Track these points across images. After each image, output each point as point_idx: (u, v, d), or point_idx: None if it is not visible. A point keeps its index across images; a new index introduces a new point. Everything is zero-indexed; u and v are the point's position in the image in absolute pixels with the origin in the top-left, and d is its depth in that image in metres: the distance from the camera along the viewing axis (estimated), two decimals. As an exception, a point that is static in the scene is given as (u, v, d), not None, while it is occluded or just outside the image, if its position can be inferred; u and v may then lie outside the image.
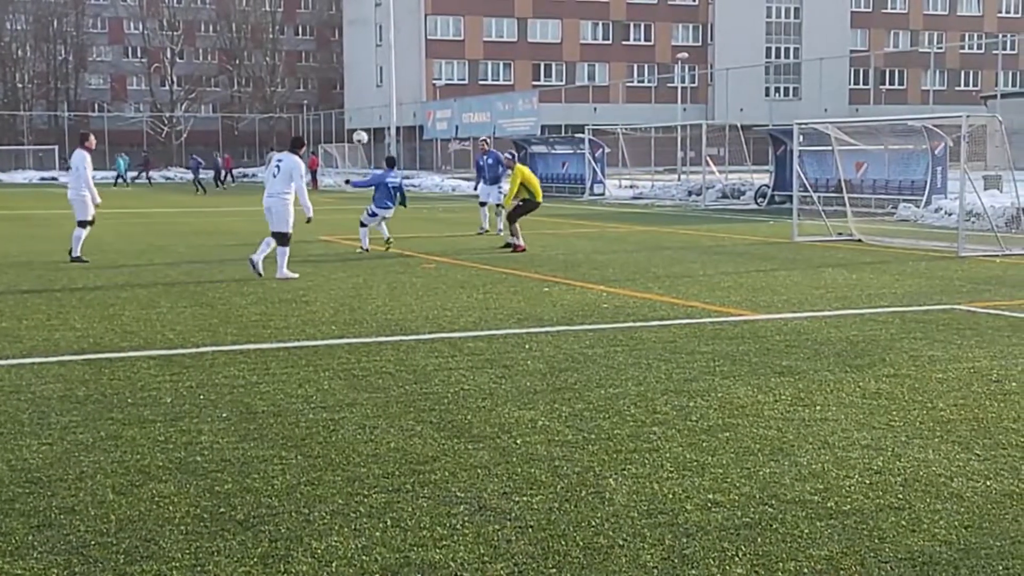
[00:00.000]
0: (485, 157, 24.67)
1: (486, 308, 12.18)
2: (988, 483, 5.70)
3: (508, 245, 19.70)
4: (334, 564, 4.65)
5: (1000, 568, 4.56)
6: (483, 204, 24.71)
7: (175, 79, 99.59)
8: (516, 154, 23.37)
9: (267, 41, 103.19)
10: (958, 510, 5.28)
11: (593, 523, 5.14)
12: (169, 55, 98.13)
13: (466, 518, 5.20)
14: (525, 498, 5.49)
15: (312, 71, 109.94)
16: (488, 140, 26.51)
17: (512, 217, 19.68)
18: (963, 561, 4.64)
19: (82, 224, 17.76)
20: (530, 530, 5.04)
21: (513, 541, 4.90)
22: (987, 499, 5.44)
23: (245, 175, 76.14)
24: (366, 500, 5.47)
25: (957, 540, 4.89)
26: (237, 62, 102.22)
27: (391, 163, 20.86)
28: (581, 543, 4.88)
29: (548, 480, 5.79)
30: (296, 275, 15.06)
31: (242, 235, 23.26)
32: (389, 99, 65.78)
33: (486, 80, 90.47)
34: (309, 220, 15.97)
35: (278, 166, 15.51)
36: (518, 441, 6.55)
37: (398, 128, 70.21)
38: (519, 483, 5.74)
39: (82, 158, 17.94)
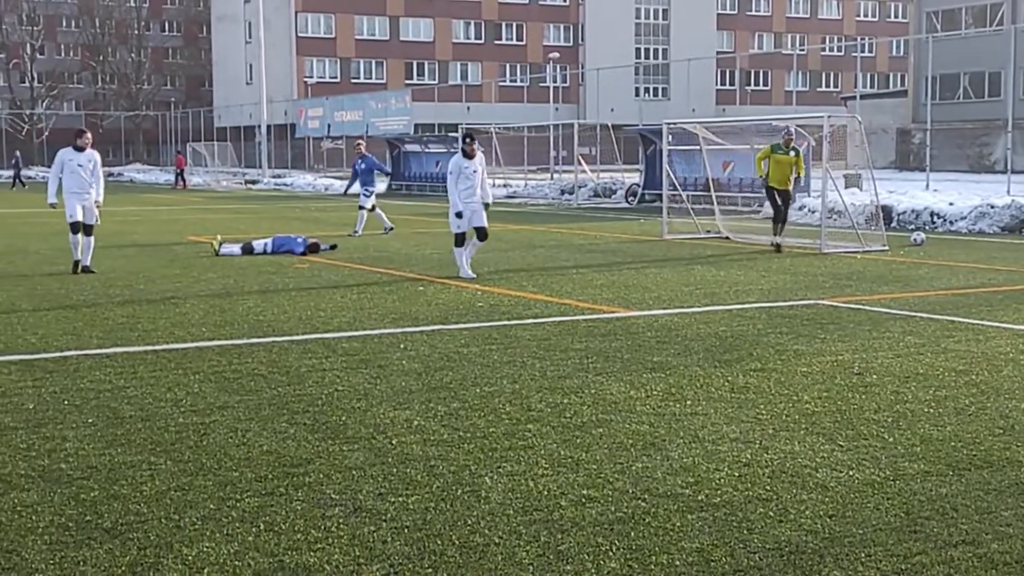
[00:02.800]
0: (360, 161, 24.28)
1: (360, 308, 12.10)
2: (851, 473, 5.88)
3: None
4: (206, 570, 4.57)
5: (862, 555, 4.71)
6: (362, 208, 24.10)
7: (35, 75, 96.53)
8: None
9: (132, 37, 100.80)
10: (823, 500, 5.43)
11: (469, 522, 5.14)
12: (29, 50, 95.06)
13: (341, 520, 5.16)
14: (401, 498, 5.47)
15: (179, 68, 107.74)
16: (363, 143, 26.07)
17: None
18: (827, 550, 4.78)
19: None
20: (406, 530, 5.03)
21: (389, 542, 4.88)
22: (850, 488, 5.61)
23: (111, 174, 74.15)
24: (238, 504, 5.38)
25: (822, 529, 5.03)
26: (101, 58, 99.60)
27: None
28: (457, 542, 4.88)
29: (424, 480, 5.78)
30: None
31: (106, 236, 22.69)
32: (259, 97, 64.89)
33: (358, 78, 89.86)
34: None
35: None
36: (393, 441, 6.52)
37: (269, 126, 69.31)
38: (395, 483, 5.72)
39: None
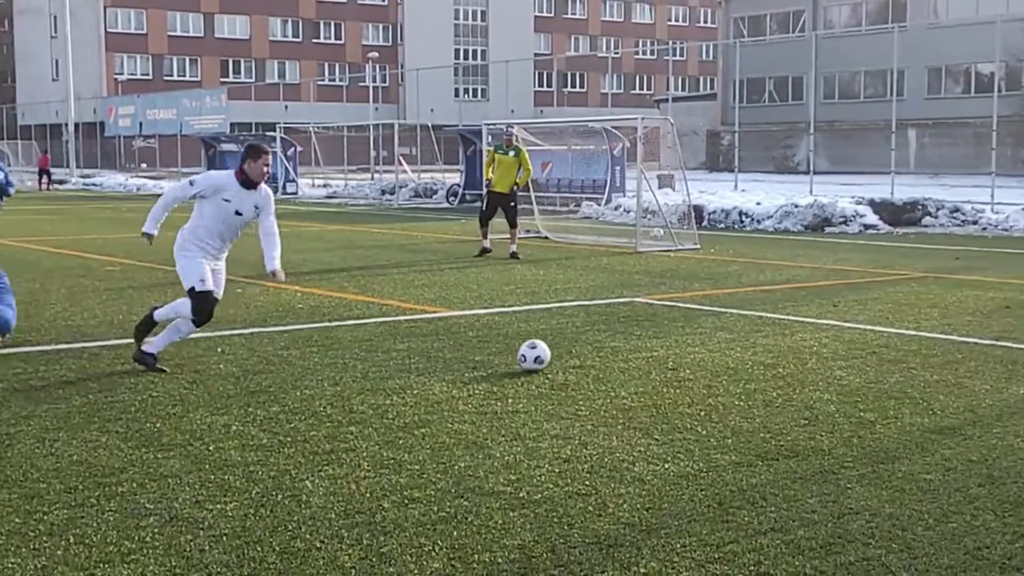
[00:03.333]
0: None
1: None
2: (666, 466, 6.04)
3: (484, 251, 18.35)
4: (12, 588, 4.38)
5: (677, 546, 4.84)
6: None
7: None
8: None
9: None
10: (640, 493, 5.57)
11: (290, 527, 5.07)
12: None
13: (156, 530, 5.02)
14: (219, 506, 5.36)
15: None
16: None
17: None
18: (644, 541, 4.90)
19: None
20: (224, 538, 4.92)
21: (207, 550, 4.77)
22: (665, 481, 5.77)
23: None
24: (46, 517, 5.17)
25: (639, 522, 5.15)
26: None
27: None
28: (277, 548, 4.81)
29: (243, 486, 5.67)
30: None
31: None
32: (66, 94, 62.48)
33: (172, 76, 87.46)
34: None
35: None
36: (211, 447, 6.38)
37: (77, 124, 66.80)
38: (212, 491, 5.59)
39: None
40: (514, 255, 17.99)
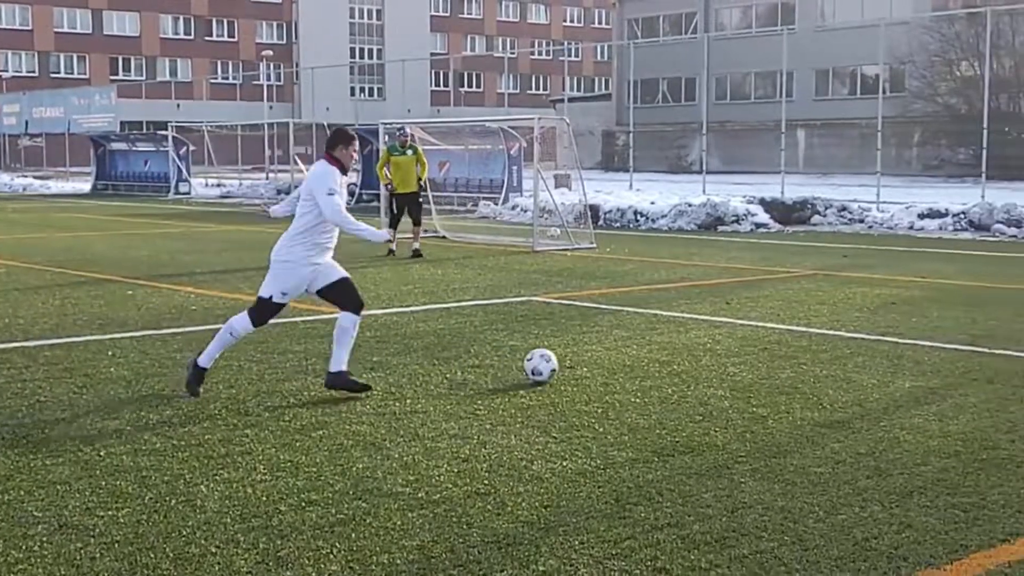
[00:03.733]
0: None
1: (64, 314, 11.50)
2: (564, 463, 6.08)
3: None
4: None
5: (576, 543, 4.88)
6: None
7: None
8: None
9: None
10: (538, 491, 5.60)
11: (184, 532, 4.99)
12: None
13: (45, 538, 4.90)
14: (111, 512, 5.25)
15: None
16: None
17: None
18: (543, 539, 4.93)
19: None
20: (116, 545, 4.82)
21: (98, 558, 4.67)
22: (563, 479, 5.81)
23: None
24: (-71, 528, 5.01)
25: (538, 520, 5.18)
26: None
27: None
28: (171, 554, 4.73)
29: (135, 492, 5.56)
30: None
31: None
32: (-54, 91, 60.53)
33: (59, 73, 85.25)
34: None
35: None
36: (102, 453, 6.24)
37: (-42, 122, 64.79)
38: (104, 497, 5.47)
39: None
40: (417, 252, 18.08)
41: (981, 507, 5.34)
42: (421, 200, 18.89)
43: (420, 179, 18.76)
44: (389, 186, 18.88)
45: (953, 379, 8.32)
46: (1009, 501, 5.44)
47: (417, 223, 18.63)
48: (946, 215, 24.60)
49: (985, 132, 29.61)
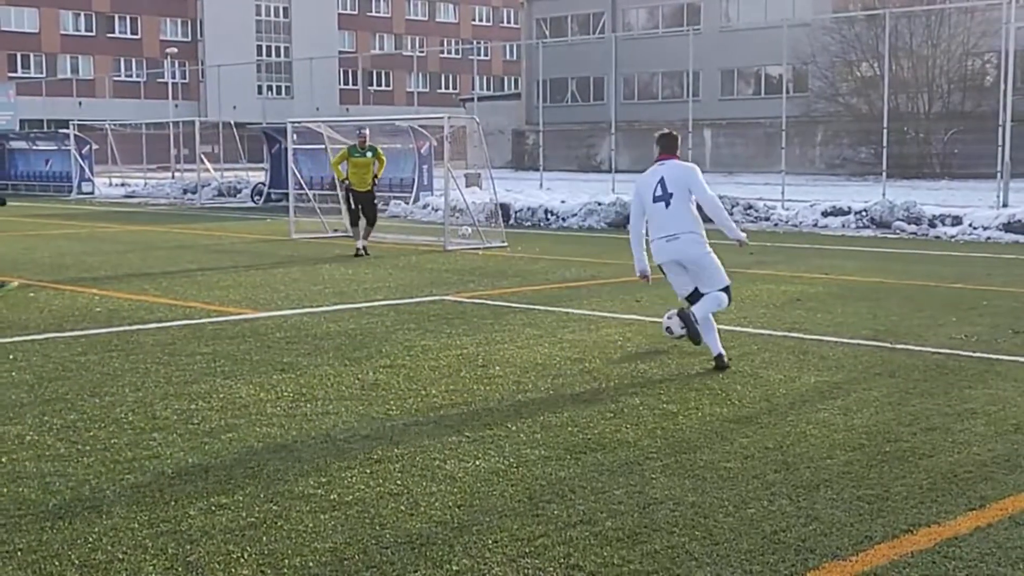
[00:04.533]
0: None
1: (-39, 318, 11.19)
2: (477, 462, 6.09)
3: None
4: None
5: (489, 542, 4.89)
6: None
7: None
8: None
9: None
10: (451, 490, 5.60)
11: (90, 539, 4.89)
12: None
13: (-55, 549, 4.76)
14: (13, 520, 5.12)
15: None
16: None
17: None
18: (457, 539, 4.92)
19: None
20: (19, 553, 4.71)
21: (0, 567, 4.55)
22: (476, 478, 5.81)
23: None
24: None
25: (451, 519, 5.18)
26: None
27: None
28: (77, 561, 4.63)
29: (39, 498, 5.44)
30: None
31: None
32: None
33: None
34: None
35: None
36: (3, 459, 6.09)
37: None
38: (5, 504, 5.34)
39: None
40: (362, 251, 18.28)
41: (885, 499, 5.47)
42: (376, 202, 19.22)
43: (376, 176, 19.01)
44: (346, 183, 19.06)
45: (857, 374, 8.50)
46: (911, 492, 5.57)
47: (371, 223, 18.91)
48: (849, 213, 25.11)
49: (885, 131, 30.32)
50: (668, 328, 9.02)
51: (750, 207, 26.80)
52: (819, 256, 18.51)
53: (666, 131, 9.30)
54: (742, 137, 55.74)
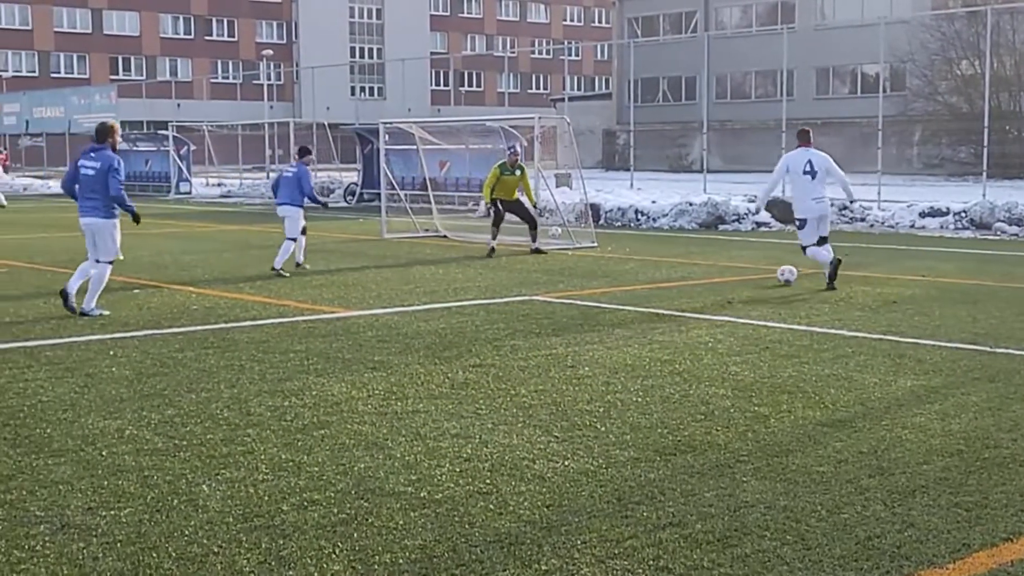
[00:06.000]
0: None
1: (65, 314, 11.49)
2: (566, 463, 6.08)
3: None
4: None
5: (578, 542, 4.88)
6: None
7: None
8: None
9: None
10: (540, 490, 5.60)
11: (187, 532, 4.99)
12: None
13: (47, 538, 4.90)
14: (112, 512, 5.25)
15: None
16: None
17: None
18: (545, 539, 4.92)
19: None
20: (119, 545, 4.82)
21: (100, 558, 4.67)
22: (565, 478, 5.80)
23: None
24: (-69, 528, 5.01)
25: (540, 519, 5.18)
26: None
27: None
28: (174, 554, 4.73)
29: (137, 491, 5.56)
30: None
31: None
32: (-53, 91, 60.55)
33: (59, 73, 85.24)
34: None
35: None
36: (104, 453, 6.24)
37: (-42, 122, 64.80)
38: (106, 497, 5.47)
39: None
40: (538, 250, 18.87)
41: (984, 506, 5.34)
42: (523, 205, 19.39)
43: (534, 204, 19.82)
44: (493, 205, 19.17)
45: (955, 378, 8.32)
46: (1012, 500, 5.43)
47: (534, 224, 19.25)
48: (947, 214, 24.59)
49: (986, 130, 29.61)
50: (785, 276, 14.06)
51: (844, 208, 26.37)
52: (916, 258, 18.15)
53: (804, 128, 14.03)
54: (837, 136, 54.70)
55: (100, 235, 11.88)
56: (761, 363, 8.89)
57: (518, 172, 19.06)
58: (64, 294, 11.46)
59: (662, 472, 5.90)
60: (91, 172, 11.64)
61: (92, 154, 11.71)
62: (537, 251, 18.84)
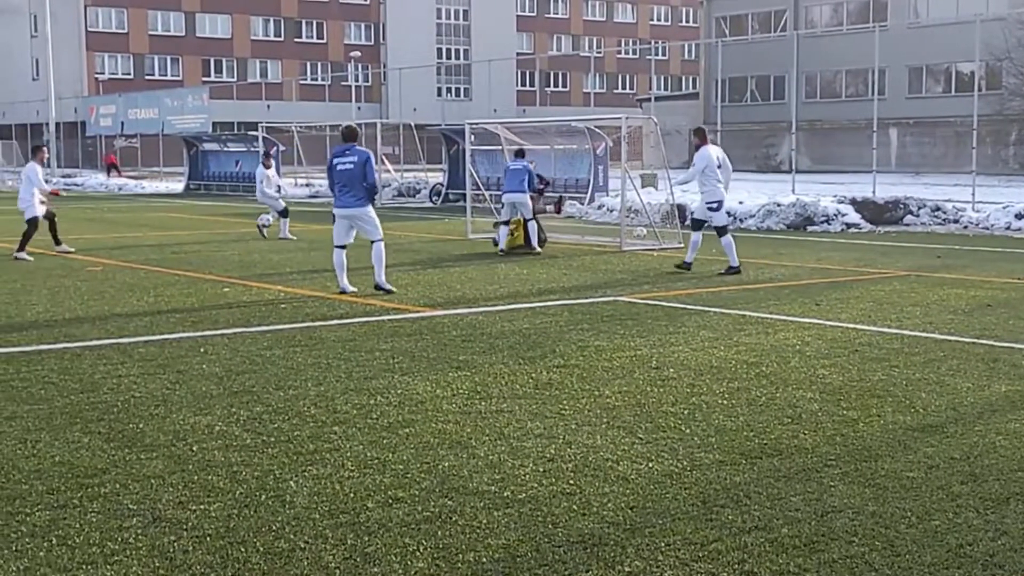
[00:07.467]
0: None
1: (158, 311, 11.74)
2: (650, 464, 6.05)
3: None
4: (-6, 590, 4.36)
5: (662, 544, 4.85)
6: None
7: None
8: None
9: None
10: (624, 492, 5.57)
11: (274, 527, 5.06)
12: None
13: (139, 531, 5.00)
14: (202, 506, 5.34)
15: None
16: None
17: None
18: (629, 540, 4.90)
19: None
20: (208, 539, 4.91)
21: (190, 551, 4.76)
22: (649, 480, 5.77)
23: None
24: (28, 519, 5.15)
25: (624, 520, 5.16)
26: None
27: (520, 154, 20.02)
28: (261, 548, 4.80)
29: (226, 486, 5.66)
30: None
31: None
32: (47, 93, 62.16)
33: (153, 75, 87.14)
34: None
35: None
36: (194, 448, 6.36)
37: (57, 124, 66.47)
38: (196, 491, 5.57)
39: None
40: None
41: (1081, 515, 5.20)
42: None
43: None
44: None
45: (1051, 383, 8.10)
46: (1111, 509, 5.28)
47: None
48: (1044, 215, 23.97)
49: (1086, 130, 28.78)
50: None
51: (938, 209, 25.87)
52: (1011, 260, 17.72)
53: (701, 127, 15.87)
54: (930, 136, 53.85)
55: (363, 220, 13.44)
56: (850, 366, 8.75)
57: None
58: (377, 287, 13.31)
59: (748, 476, 5.84)
60: (349, 166, 13.00)
61: (346, 152, 13.07)
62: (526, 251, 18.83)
